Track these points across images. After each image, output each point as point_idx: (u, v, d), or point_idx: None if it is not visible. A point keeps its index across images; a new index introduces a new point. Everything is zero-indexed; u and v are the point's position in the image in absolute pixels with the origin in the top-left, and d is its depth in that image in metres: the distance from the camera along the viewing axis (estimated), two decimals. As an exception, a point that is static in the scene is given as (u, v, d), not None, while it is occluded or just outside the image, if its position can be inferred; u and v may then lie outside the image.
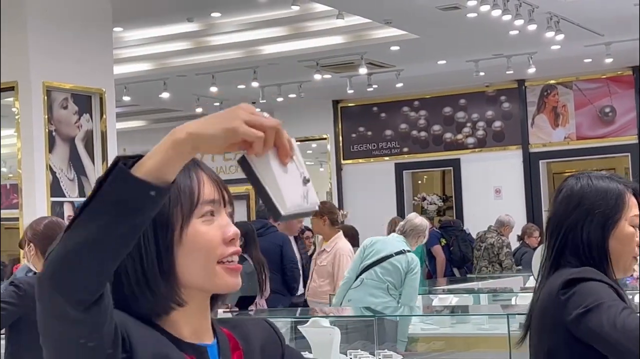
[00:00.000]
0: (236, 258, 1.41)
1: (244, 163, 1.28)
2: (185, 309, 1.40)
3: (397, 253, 6.60)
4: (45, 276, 1.20)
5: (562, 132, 13.85)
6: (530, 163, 13.91)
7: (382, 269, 6.58)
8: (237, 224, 1.46)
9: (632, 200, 2.29)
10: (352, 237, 9.13)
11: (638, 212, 2.29)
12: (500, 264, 10.26)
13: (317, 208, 1.32)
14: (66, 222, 4.45)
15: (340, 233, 7.63)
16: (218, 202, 1.42)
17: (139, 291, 1.37)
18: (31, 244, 4.24)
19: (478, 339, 6.07)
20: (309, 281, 7.84)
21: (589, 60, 12.29)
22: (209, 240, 1.39)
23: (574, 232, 2.26)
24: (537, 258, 6.57)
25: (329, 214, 7.47)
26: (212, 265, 1.39)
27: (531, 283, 7.31)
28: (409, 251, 6.65)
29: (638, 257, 2.30)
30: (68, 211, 7.68)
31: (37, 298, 1.23)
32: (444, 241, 11.88)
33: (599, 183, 2.28)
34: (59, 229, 4.30)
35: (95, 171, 7.95)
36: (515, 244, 11.39)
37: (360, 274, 6.66)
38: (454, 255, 11.71)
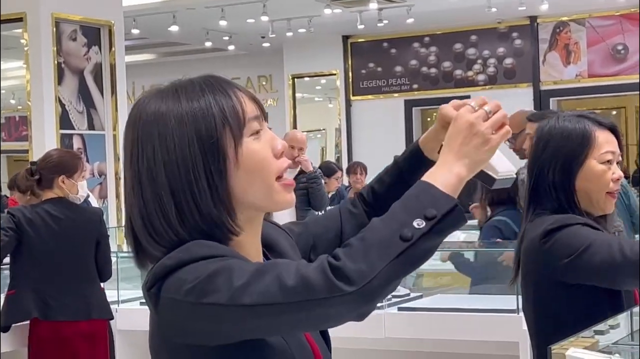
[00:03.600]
0: (290, 173, 1.42)
1: None
2: (249, 231, 1.40)
3: None
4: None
5: (574, 70, 13.75)
6: (541, 101, 13.84)
7: None
8: None
9: (603, 137, 2.27)
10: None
11: (611, 149, 2.28)
12: None
13: (514, 175, 1.47)
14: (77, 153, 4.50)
15: None
16: (260, 118, 1.41)
17: (198, 225, 1.34)
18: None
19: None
20: None
21: (603, -3, 12.15)
22: (264, 157, 1.38)
23: (542, 175, 2.28)
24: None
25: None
26: (271, 182, 1.38)
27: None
28: None
29: (615, 193, 2.30)
30: (77, 144, 7.70)
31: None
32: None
33: (564, 124, 2.28)
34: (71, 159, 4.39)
35: (104, 103, 7.94)
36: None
37: None
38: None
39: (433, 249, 1.30)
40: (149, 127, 1.37)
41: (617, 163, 2.31)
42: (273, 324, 1.26)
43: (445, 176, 1.34)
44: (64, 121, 7.59)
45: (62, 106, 7.59)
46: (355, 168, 9.40)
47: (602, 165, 2.26)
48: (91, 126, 7.85)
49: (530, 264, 2.27)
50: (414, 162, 1.61)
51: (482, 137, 1.36)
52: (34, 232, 4.28)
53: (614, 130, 2.32)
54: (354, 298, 1.21)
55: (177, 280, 1.29)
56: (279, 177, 1.39)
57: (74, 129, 7.70)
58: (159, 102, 1.39)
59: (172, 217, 1.34)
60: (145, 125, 1.37)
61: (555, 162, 2.26)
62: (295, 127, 15.09)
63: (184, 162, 1.34)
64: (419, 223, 1.27)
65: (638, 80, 13.22)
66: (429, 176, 1.35)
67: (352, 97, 15.12)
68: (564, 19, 13.64)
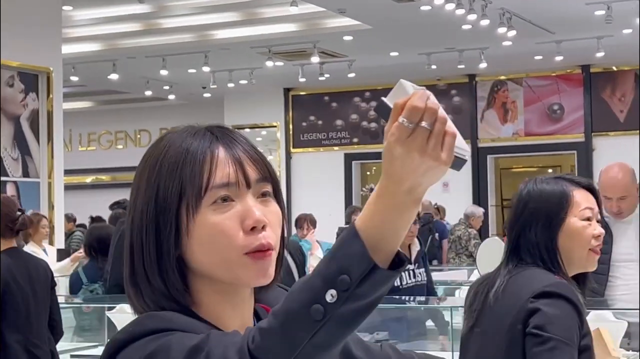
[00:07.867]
0: (266, 247, 1.21)
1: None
2: (226, 303, 1.24)
3: None
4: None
5: (511, 128, 13.97)
6: (479, 158, 14.02)
7: None
8: None
9: (581, 195, 2.33)
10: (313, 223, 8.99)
11: (590, 206, 2.33)
12: (469, 255, 10.25)
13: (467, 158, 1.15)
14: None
15: None
16: (235, 185, 1.21)
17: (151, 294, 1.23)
18: None
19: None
20: None
21: (540, 57, 12.40)
22: (222, 230, 1.19)
23: (524, 235, 2.33)
24: (481, 252, 6.60)
25: None
26: (232, 256, 1.20)
27: (475, 276, 7.36)
28: None
29: (598, 250, 2.33)
30: (10, 191, 7.54)
31: None
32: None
33: (542, 186, 2.35)
34: (13, 206, 4.22)
35: (40, 151, 7.81)
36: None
37: None
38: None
39: (358, 314, 1.07)
40: (151, 161, 1.24)
41: (597, 222, 2.34)
42: None
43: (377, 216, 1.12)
44: (-2, 167, 7.45)
45: (-3, 152, 7.45)
46: (302, 222, 9.14)
47: (583, 222, 2.31)
48: (26, 173, 7.71)
49: (509, 317, 2.24)
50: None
51: (431, 161, 1.11)
52: (14, 281, 4.09)
53: (591, 189, 2.37)
54: None
55: (126, 356, 1.18)
56: (249, 253, 1.20)
57: (8, 176, 7.55)
58: (180, 140, 1.26)
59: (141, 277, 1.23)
60: (154, 160, 1.24)
61: (536, 223, 2.31)
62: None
63: (141, 219, 1.22)
64: (332, 295, 1.05)
65: (573, 140, 13.48)
66: (361, 219, 1.13)
67: (292, 150, 15.15)
68: (502, 77, 13.89)
